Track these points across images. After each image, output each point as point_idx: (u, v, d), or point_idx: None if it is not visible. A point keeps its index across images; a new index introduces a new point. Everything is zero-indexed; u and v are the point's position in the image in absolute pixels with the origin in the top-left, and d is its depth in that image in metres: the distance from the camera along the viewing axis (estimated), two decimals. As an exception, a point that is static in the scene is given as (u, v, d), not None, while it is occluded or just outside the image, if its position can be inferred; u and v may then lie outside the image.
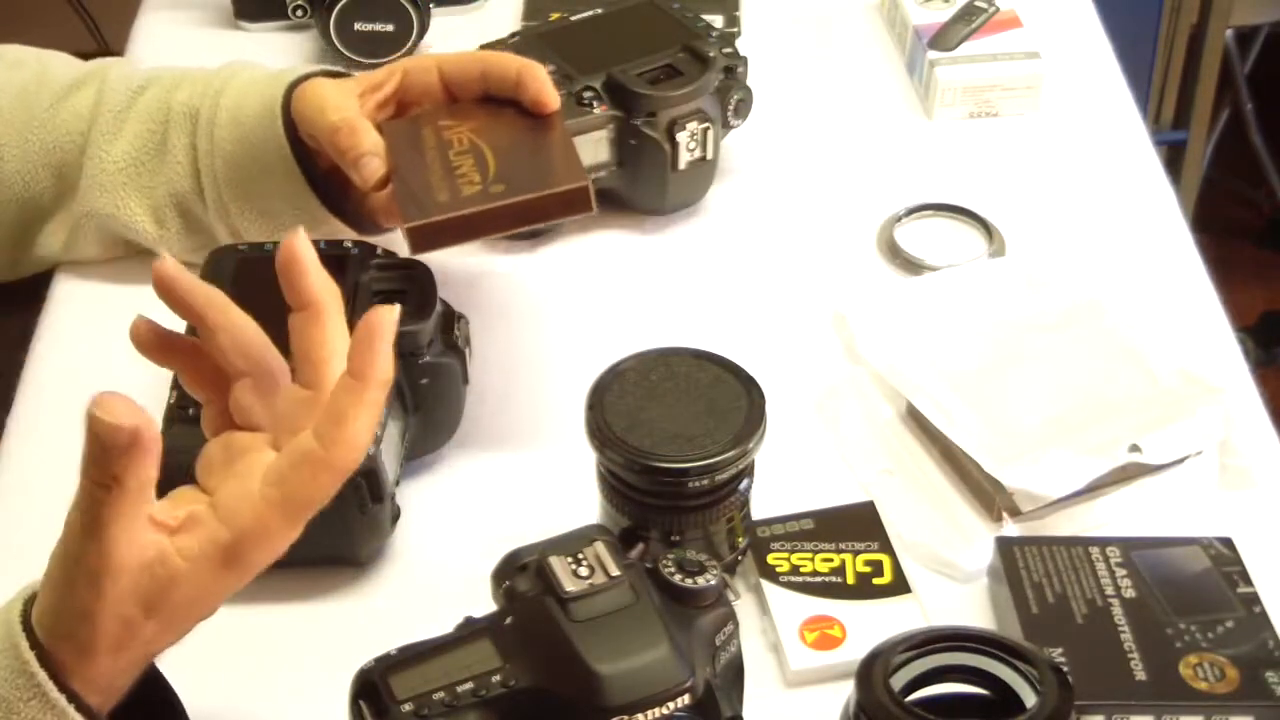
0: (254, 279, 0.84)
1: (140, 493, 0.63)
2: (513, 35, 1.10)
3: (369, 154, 0.90)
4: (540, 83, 0.93)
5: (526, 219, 0.87)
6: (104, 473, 0.62)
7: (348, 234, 0.97)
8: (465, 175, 0.88)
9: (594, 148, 1.04)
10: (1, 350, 1.05)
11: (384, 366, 0.66)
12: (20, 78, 1.00)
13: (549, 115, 0.94)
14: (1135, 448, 0.88)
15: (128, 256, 1.03)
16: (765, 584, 0.84)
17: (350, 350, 0.66)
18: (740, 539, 0.84)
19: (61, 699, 0.64)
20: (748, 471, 0.82)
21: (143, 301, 1.03)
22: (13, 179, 0.99)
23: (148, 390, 0.90)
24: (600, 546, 0.70)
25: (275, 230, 0.96)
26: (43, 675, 0.64)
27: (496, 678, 0.66)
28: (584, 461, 0.83)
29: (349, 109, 0.92)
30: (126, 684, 0.67)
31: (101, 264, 1.05)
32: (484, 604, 0.71)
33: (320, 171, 0.96)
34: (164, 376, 0.85)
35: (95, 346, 1.00)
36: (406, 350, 0.86)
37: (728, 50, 1.08)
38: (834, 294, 1.03)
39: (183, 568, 0.65)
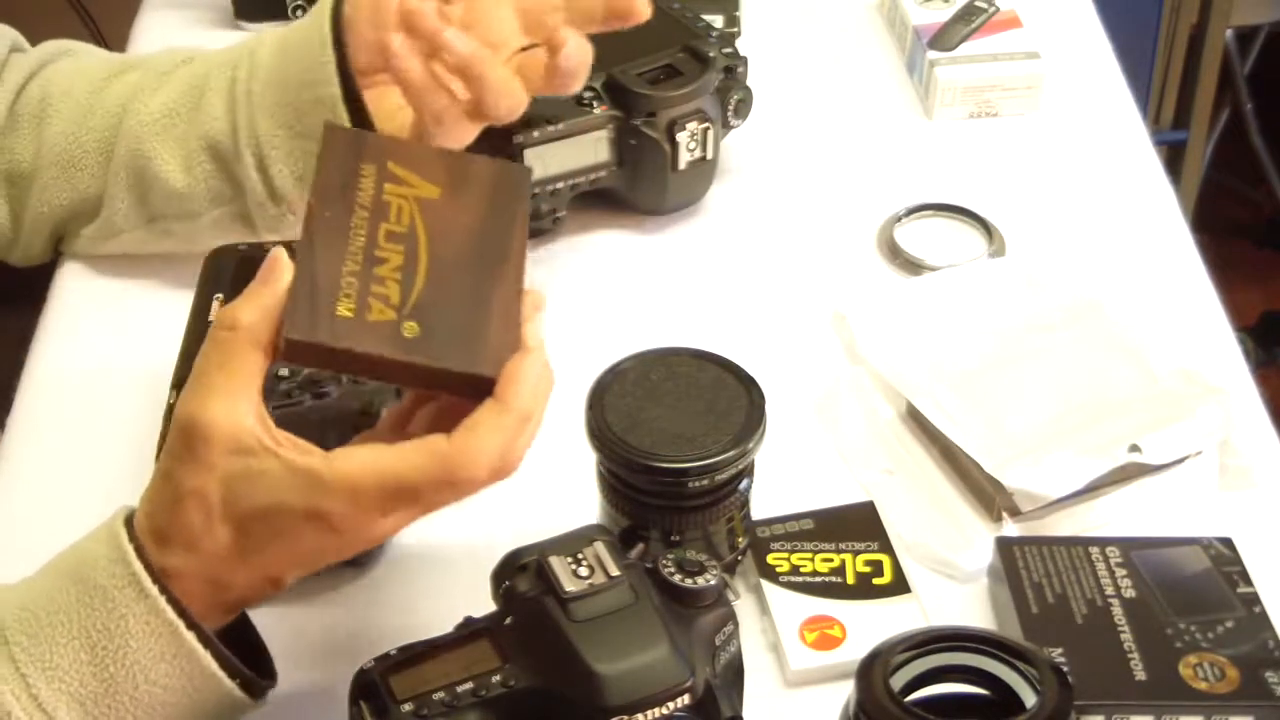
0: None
1: (249, 354, 0.65)
2: (513, 35, 1.10)
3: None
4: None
5: (423, 383, 0.70)
6: (227, 316, 0.66)
7: None
8: (382, 287, 0.68)
9: (594, 148, 1.04)
10: (1, 350, 1.05)
11: (525, 397, 0.67)
12: (85, 63, 1.01)
13: (508, 262, 0.72)
14: (1135, 448, 0.88)
15: (146, 250, 1.02)
16: (765, 584, 0.84)
17: (503, 374, 0.67)
18: (740, 539, 0.84)
19: (154, 588, 0.66)
20: (748, 471, 0.82)
21: (143, 301, 1.03)
22: (60, 143, 0.98)
23: (148, 390, 0.90)
24: (600, 546, 0.70)
25: (301, 155, 0.92)
26: (138, 564, 0.66)
27: (496, 678, 0.66)
28: (584, 461, 0.83)
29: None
30: (207, 609, 0.68)
31: (102, 264, 1.05)
32: (484, 604, 0.71)
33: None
34: (164, 377, 0.85)
35: (95, 346, 1.00)
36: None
37: (728, 50, 1.08)
38: (834, 294, 1.03)
39: (272, 467, 0.65)
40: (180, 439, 0.66)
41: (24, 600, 0.68)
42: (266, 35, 0.95)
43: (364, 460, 0.66)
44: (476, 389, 0.67)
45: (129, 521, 0.68)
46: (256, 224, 0.96)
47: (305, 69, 0.90)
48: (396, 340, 0.67)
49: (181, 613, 0.67)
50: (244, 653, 0.70)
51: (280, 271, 0.67)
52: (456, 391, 0.68)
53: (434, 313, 0.68)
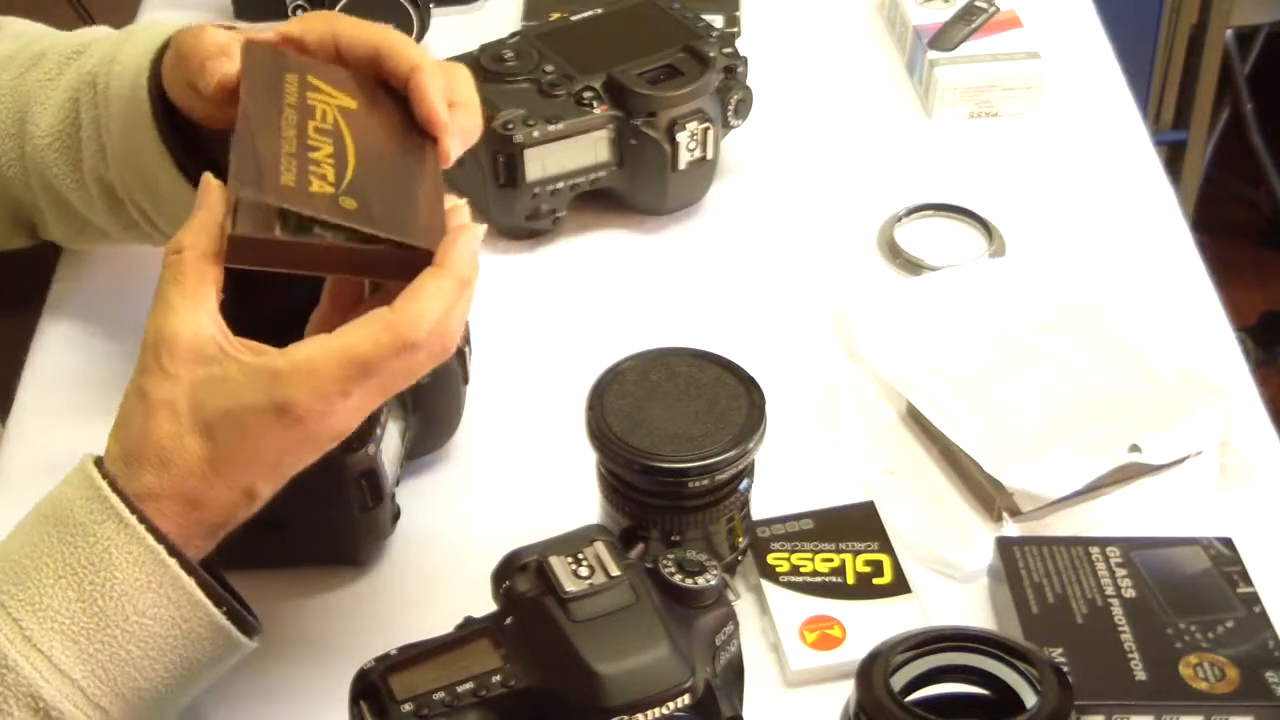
0: (255, 279, 0.84)
1: (199, 267, 0.69)
2: (513, 35, 1.10)
3: (215, 56, 0.77)
4: (431, 104, 0.75)
5: (357, 268, 0.71)
6: (173, 243, 0.69)
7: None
8: (319, 166, 0.71)
9: (594, 148, 1.05)
10: (1, 350, 1.05)
11: (464, 264, 0.70)
12: (9, 49, 0.97)
13: (429, 142, 0.76)
14: (1135, 448, 0.88)
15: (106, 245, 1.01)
16: (765, 584, 0.84)
17: (443, 243, 0.70)
18: (740, 539, 0.84)
19: (133, 517, 0.67)
20: (748, 471, 0.82)
21: (143, 302, 1.03)
22: None
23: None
24: (600, 546, 0.70)
25: (166, 213, 0.89)
26: (114, 497, 0.67)
27: (496, 678, 0.66)
28: (584, 461, 0.83)
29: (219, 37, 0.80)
30: (185, 533, 0.69)
31: (102, 264, 1.05)
32: (484, 604, 0.71)
33: (203, 149, 0.86)
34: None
35: (95, 347, 1.00)
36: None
37: (728, 50, 1.08)
38: (834, 294, 1.03)
39: (232, 370, 0.67)
40: (148, 355, 0.69)
41: (4, 552, 0.69)
42: (114, 66, 0.87)
43: (315, 345, 0.68)
44: (410, 267, 0.70)
45: (98, 462, 0.69)
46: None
47: (141, 149, 0.86)
48: (341, 211, 0.69)
49: (161, 539, 0.68)
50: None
51: (213, 192, 0.70)
52: (389, 274, 0.71)
53: (368, 192, 0.71)
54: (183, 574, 0.68)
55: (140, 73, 0.86)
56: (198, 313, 0.68)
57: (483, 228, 0.73)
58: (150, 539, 0.67)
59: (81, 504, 0.68)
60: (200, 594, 0.69)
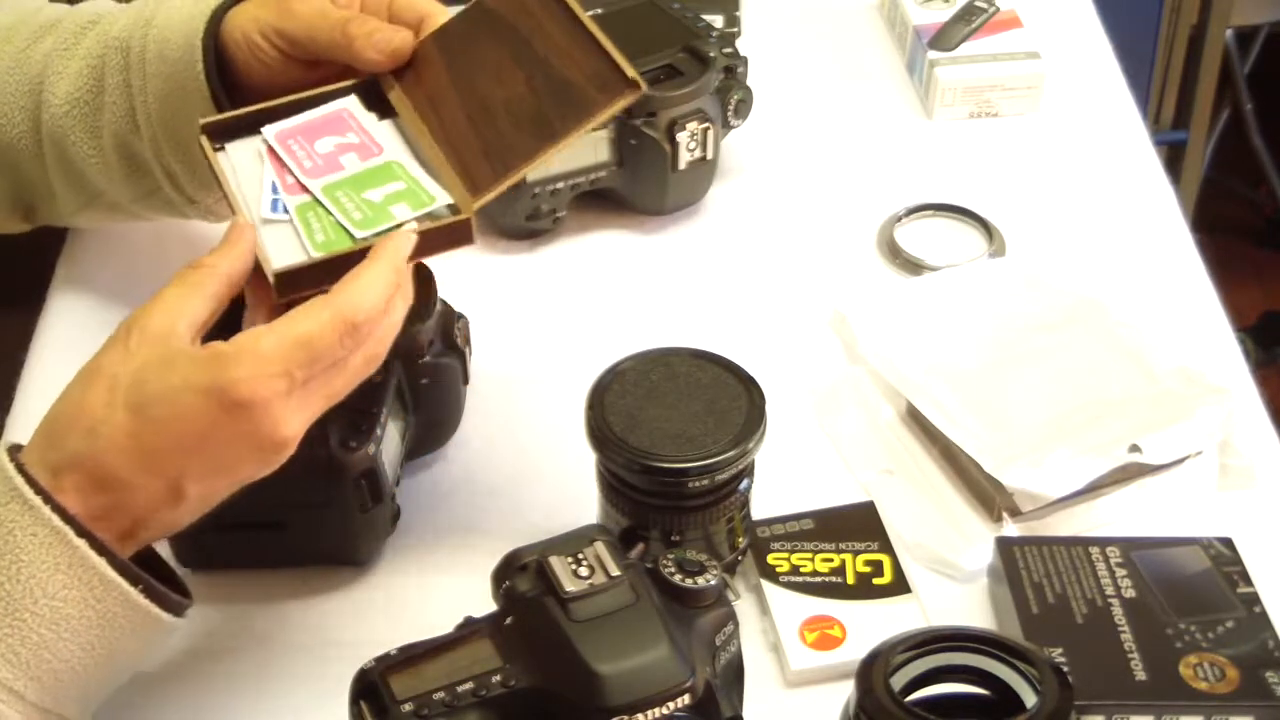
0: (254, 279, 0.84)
1: (206, 279, 0.72)
2: (513, 35, 1.10)
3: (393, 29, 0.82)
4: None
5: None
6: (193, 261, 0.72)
7: None
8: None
9: (594, 148, 1.05)
10: (1, 350, 1.05)
11: (398, 253, 0.73)
12: (7, 20, 0.97)
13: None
14: (1135, 448, 0.88)
15: (115, 223, 1.01)
16: (765, 584, 0.84)
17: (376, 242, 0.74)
18: (740, 539, 0.84)
19: (37, 499, 0.67)
20: (748, 471, 0.82)
21: (141, 302, 1.02)
22: None
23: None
24: (600, 546, 0.70)
25: (206, 182, 0.90)
26: (19, 479, 0.67)
27: (496, 678, 0.66)
28: (584, 461, 0.83)
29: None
30: (101, 522, 0.69)
31: (102, 264, 1.05)
32: (484, 604, 0.71)
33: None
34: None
35: (95, 346, 1.00)
36: (406, 350, 0.86)
37: (728, 50, 1.08)
38: (834, 294, 1.03)
39: (181, 355, 0.69)
40: (118, 332, 0.70)
41: None
42: (151, 29, 0.90)
43: (259, 330, 0.70)
44: (455, 236, 0.76)
45: (11, 450, 0.70)
46: (186, 214, 0.96)
47: (189, 108, 0.87)
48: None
49: (68, 519, 0.67)
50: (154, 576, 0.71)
51: (240, 230, 0.74)
52: (434, 249, 0.76)
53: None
54: (92, 554, 0.67)
55: (194, 32, 0.86)
56: (178, 309, 0.70)
57: (413, 235, 0.75)
58: (56, 519, 0.67)
59: None
60: (112, 573, 0.68)
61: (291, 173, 0.78)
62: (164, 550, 0.77)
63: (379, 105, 0.83)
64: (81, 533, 0.67)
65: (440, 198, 0.77)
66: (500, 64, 0.81)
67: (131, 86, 0.90)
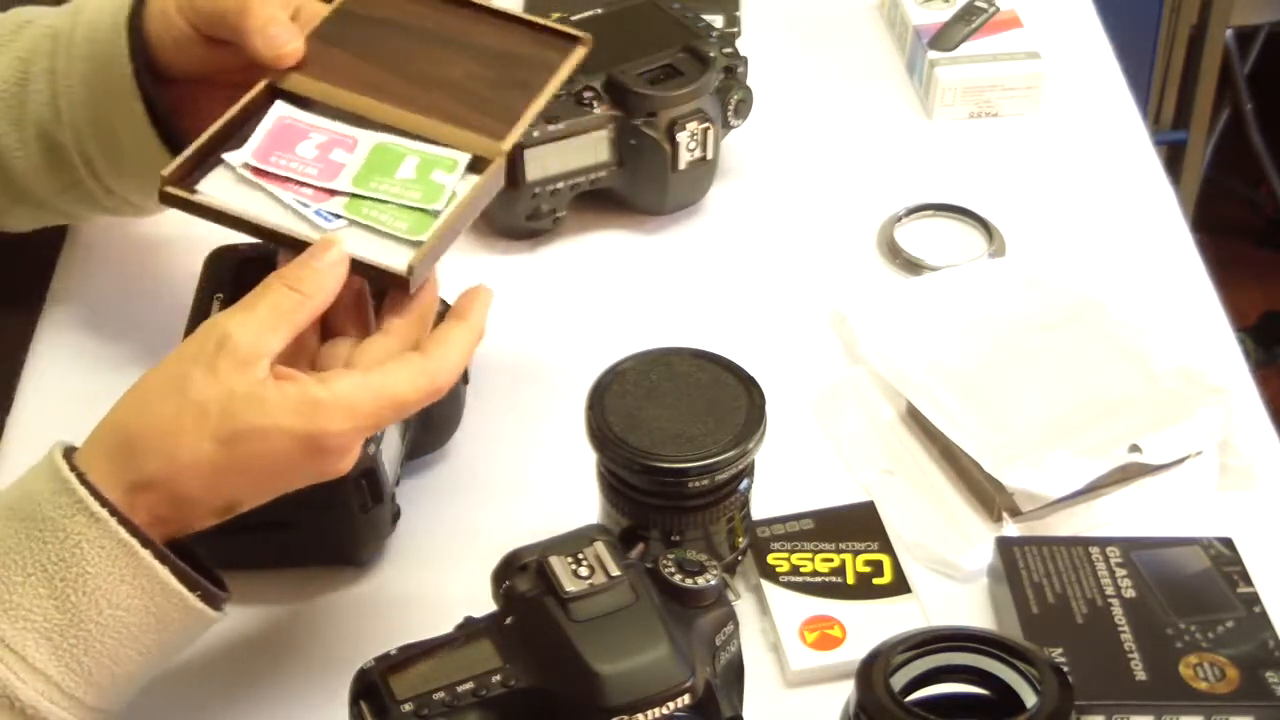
0: (256, 281, 0.84)
1: (298, 308, 0.71)
2: (513, 35, 1.10)
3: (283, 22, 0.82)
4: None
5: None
6: (290, 279, 0.72)
7: None
8: None
9: (594, 148, 1.05)
10: (1, 350, 1.05)
11: (482, 317, 0.76)
12: None
13: None
14: (1135, 448, 0.88)
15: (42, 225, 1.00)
16: (765, 584, 0.84)
17: (458, 301, 0.76)
18: (740, 539, 0.84)
19: (103, 511, 0.67)
20: (748, 471, 0.82)
21: (142, 302, 1.03)
22: None
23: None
24: (600, 546, 0.69)
25: (122, 169, 0.90)
26: (83, 490, 0.67)
27: (496, 678, 0.66)
28: (584, 461, 0.83)
29: None
30: (157, 527, 0.69)
31: (102, 265, 1.05)
32: (484, 604, 0.71)
33: (170, 112, 0.89)
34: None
35: (95, 346, 1.00)
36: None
37: (728, 50, 1.08)
38: (834, 294, 1.03)
39: (273, 393, 0.68)
40: (205, 344, 0.69)
41: None
42: (80, 16, 0.90)
43: (354, 381, 0.71)
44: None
45: (67, 454, 0.70)
46: (107, 209, 0.95)
47: (111, 91, 0.88)
48: None
49: (135, 531, 0.67)
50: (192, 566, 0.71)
51: (331, 248, 0.73)
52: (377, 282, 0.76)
53: None
54: (157, 564, 0.68)
55: (119, 12, 0.87)
56: (266, 340, 0.70)
57: (492, 292, 0.77)
58: (123, 532, 0.67)
59: (49, 498, 0.68)
60: (176, 582, 0.69)
61: (303, 184, 0.77)
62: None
63: (296, 101, 0.82)
64: (146, 543, 0.68)
65: (460, 157, 0.78)
66: (429, 54, 0.83)
67: (56, 72, 0.90)
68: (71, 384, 0.98)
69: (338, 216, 0.76)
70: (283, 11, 0.83)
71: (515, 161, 1.02)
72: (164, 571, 0.68)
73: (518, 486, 0.92)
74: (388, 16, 0.86)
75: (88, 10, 0.90)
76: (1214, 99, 2.19)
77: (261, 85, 0.82)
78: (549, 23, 0.84)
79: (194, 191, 0.77)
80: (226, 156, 0.78)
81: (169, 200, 0.77)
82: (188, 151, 0.78)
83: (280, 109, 0.81)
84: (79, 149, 0.91)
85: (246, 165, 0.78)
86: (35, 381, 0.99)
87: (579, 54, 0.84)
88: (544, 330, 1.02)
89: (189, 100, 0.88)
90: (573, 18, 1.12)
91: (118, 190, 0.93)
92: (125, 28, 0.87)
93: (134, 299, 1.03)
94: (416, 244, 0.75)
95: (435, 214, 0.76)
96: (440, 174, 0.78)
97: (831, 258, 1.07)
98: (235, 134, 0.79)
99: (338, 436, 0.69)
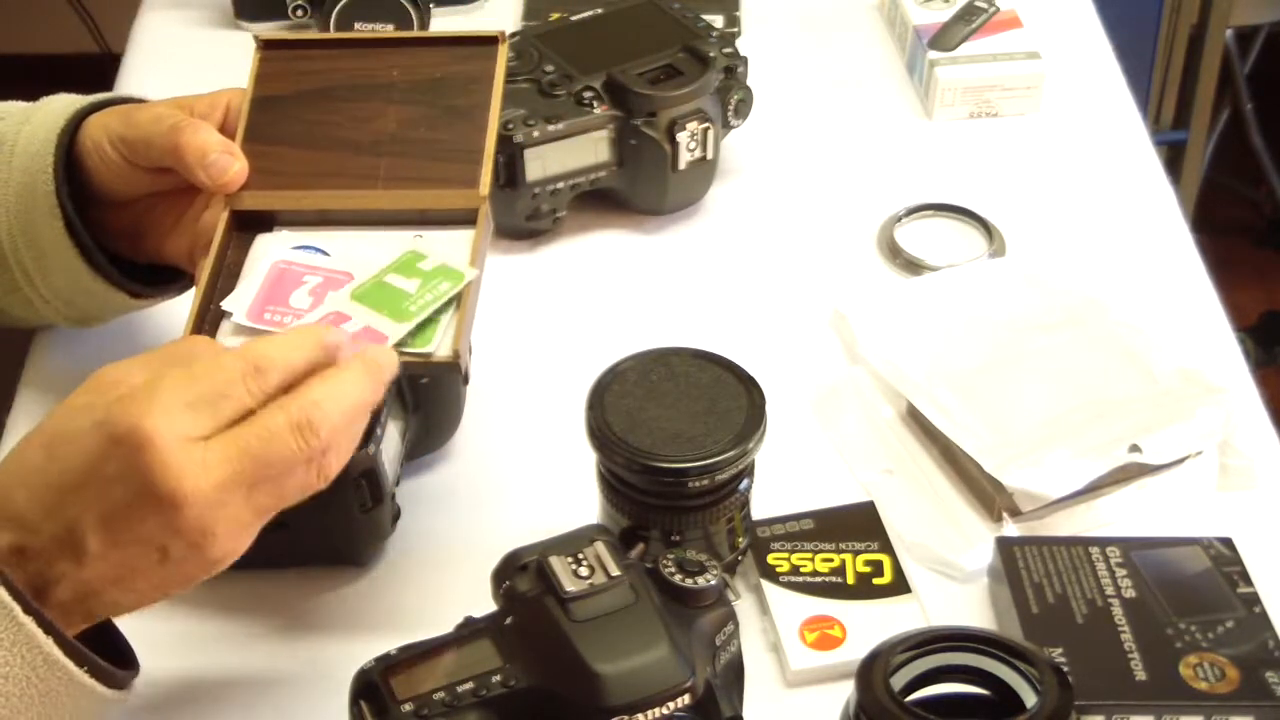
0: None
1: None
2: (513, 35, 1.10)
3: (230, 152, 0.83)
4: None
5: None
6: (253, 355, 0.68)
7: (114, 302, 0.92)
8: None
9: (594, 148, 1.05)
10: (1, 350, 1.05)
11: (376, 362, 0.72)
12: None
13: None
14: (1135, 448, 0.88)
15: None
16: (765, 584, 0.84)
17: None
18: (740, 539, 0.84)
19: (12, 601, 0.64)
20: (748, 471, 0.82)
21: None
22: None
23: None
24: (600, 546, 0.70)
25: (50, 280, 0.90)
26: None
27: (497, 678, 0.66)
28: (584, 461, 0.83)
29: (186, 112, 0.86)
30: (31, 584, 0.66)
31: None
32: (484, 604, 0.71)
33: (115, 232, 0.90)
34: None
35: (95, 346, 1.00)
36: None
37: (728, 50, 1.08)
38: (834, 294, 1.03)
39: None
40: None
41: None
42: (25, 127, 0.90)
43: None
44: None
45: None
46: (46, 317, 0.95)
47: (35, 203, 0.88)
48: None
49: (16, 595, 0.64)
50: (102, 649, 0.68)
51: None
52: None
53: None
54: (39, 632, 0.64)
55: (53, 128, 0.87)
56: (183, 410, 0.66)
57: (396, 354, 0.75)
58: (3, 592, 0.63)
59: None
60: (58, 653, 0.65)
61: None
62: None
63: (259, 222, 0.83)
64: (28, 609, 0.64)
65: (466, 271, 0.79)
66: (356, 112, 0.83)
67: (1, 178, 0.90)
68: (71, 384, 0.98)
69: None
70: (213, 133, 0.84)
71: (515, 161, 1.02)
72: (47, 641, 0.64)
73: (518, 486, 0.92)
74: (300, 89, 0.85)
75: (33, 121, 0.90)
76: (1214, 99, 2.19)
77: (225, 218, 0.82)
78: (456, 33, 0.82)
79: None
80: (225, 307, 0.79)
81: None
82: (190, 318, 0.79)
83: (272, 251, 0.81)
84: (14, 255, 0.90)
85: (246, 323, 0.79)
86: (35, 382, 0.99)
87: (502, 53, 0.82)
88: (544, 330, 1.02)
89: (144, 215, 0.89)
90: (572, 18, 1.12)
91: (51, 300, 0.92)
92: (54, 144, 0.87)
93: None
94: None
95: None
96: (446, 285, 0.79)
97: (831, 258, 1.07)
98: (223, 269, 0.81)
99: (138, 417, 0.64)
